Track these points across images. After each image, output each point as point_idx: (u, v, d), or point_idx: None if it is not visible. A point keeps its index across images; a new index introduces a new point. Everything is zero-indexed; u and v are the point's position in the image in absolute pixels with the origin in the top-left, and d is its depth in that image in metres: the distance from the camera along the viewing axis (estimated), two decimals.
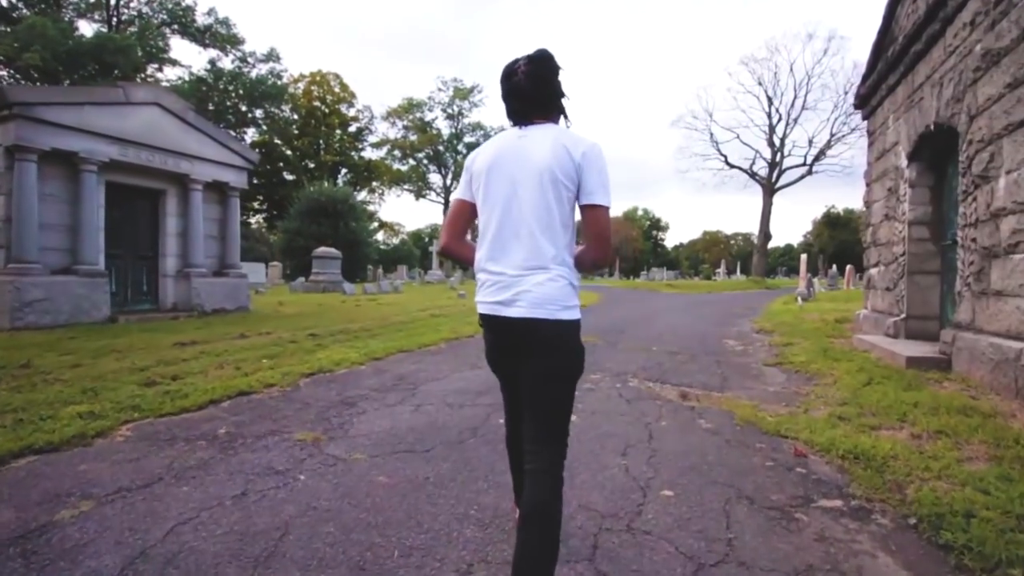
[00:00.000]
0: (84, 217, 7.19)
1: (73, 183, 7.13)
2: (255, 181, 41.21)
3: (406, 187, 50.96)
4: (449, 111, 48.46)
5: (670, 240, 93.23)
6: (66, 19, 29.97)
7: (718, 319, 10.72)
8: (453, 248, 1.63)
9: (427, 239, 63.28)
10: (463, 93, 47.19)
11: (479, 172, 1.51)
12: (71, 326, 6.72)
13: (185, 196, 8.59)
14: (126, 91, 7.49)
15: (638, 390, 4.34)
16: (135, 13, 33.43)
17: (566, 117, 1.54)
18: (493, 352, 1.58)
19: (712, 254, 79.34)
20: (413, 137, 47.72)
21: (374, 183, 48.41)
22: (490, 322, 1.49)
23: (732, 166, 36.34)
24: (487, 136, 48.56)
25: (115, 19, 32.50)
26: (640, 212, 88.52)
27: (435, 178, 50.89)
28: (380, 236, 71.32)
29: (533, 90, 1.45)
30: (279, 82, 36.42)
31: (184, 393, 3.86)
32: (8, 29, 25.46)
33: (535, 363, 1.43)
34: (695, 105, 66.36)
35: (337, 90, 43.58)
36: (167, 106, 7.98)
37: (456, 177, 49.82)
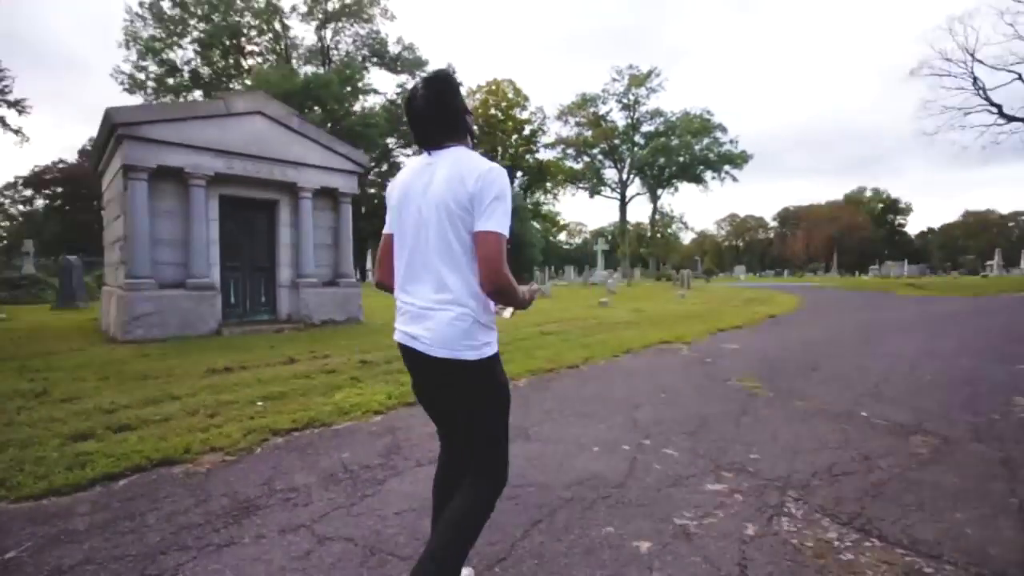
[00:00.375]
0: (194, 231, 7.30)
1: (183, 198, 7.27)
2: None
3: (581, 185, 49.79)
4: (625, 101, 45.74)
5: (913, 226, 74.84)
6: (294, 65, 36.04)
7: (995, 347, 6.74)
8: (386, 283, 1.64)
9: (608, 237, 61.32)
10: (639, 79, 43.98)
11: (393, 206, 1.53)
12: (177, 339, 6.78)
13: (296, 205, 8.41)
14: (227, 102, 7.45)
15: (800, 552, 1.97)
16: (344, 53, 38.71)
17: (472, 136, 1.53)
18: (413, 380, 1.59)
19: (979, 241, 61.12)
20: (587, 133, 46.23)
21: (548, 183, 48.27)
22: (403, 350, 1.51)
23: (1010, 118, 26.33)
24: (667, 123, 44.46)
25: (328, 61, 38.06)
26: (868, 193, 72.75)
27: (610, 173, 48.66)
28: (562, 237, 71.86)
29: (433, 113, 1.43)
30: None
31: (92, 460, 2.88)
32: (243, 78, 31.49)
33: (451, 394, 1.48)
34: (946, 42, 50.95)
35: (511, 95, 44.46)
36: (269, 114, 7.81)
37: (631, 171, 46.81)
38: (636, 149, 46.13)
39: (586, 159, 47.81)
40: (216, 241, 7.68)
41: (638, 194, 49.82)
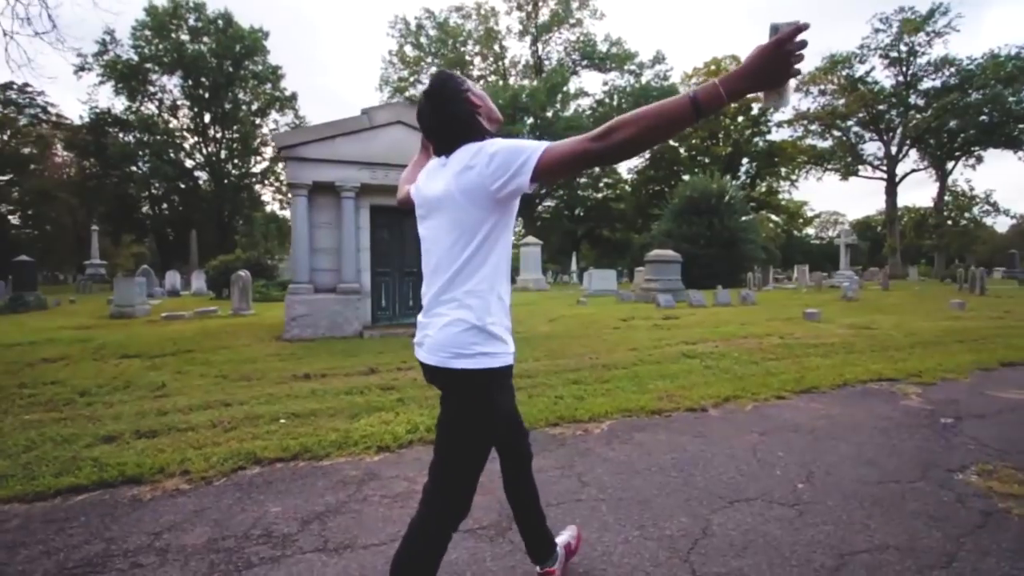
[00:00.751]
0: (344, 239, 7.84)
1: (337, 209, 7.86)
2: (655, 188, 42.20)
3: (829, 166, 41.27)
4: (893, 54, 36.06)
5: None
6: (511, 83, 38.53)
7: None
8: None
9: (879, 228, 49.26)
10: (915, 24, 34.11)
11: (417, 213, 1.51)
12: (323, 340, 7.33)
13: None
14: (370, 116, 7.78)
15: None
16: (555, 62, 39.79)
17: (485, 132, 1.41)
18: None
19: None
20: (838, 102, 37.94)
21: (782, 169, 41.31)
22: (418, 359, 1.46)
23: None
24: (961, 73, 33.44)
25: (540, 72, 39.59)
26: None
27: (871, 147, 39.08)
28: (810, 231, 60.70)
29: (436, 124, 1.41)
30: (664, 83, 35.74)
31: (80, 468, 2.90)
32: None
33: (441, 407, 1.43)
34: None
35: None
36: (408, 122, 7.90)
37: (905, 141, 36.63)
38: (912, 113, 35.95)
39: (836, 134, 39.30)
40: (367, 248, 8.14)
41: (915, 170, 38.90)
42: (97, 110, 34.48)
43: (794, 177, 42.75)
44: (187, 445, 3.27)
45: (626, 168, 45.66)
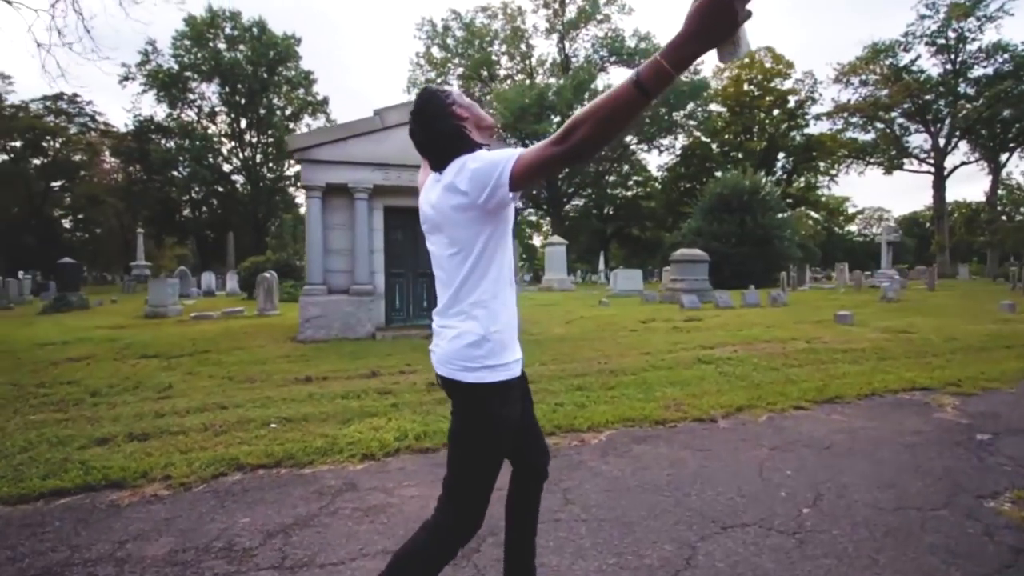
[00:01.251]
0: (357, 241, 7.84)
1: (351, 211, 7.87)
2: (686, 185, 41.24)
3: (872, 160, 39.47)
4: (940, 41, 34.12)
5: None
6: (537, 82, 38.29)
7: None
8: None
9: (927, 224, 46.87)
10: (964, 9, 32.14)
11: (421, 219, 1.52)
12: (336, 341, 7.35)
13: None
14: (382, 117, 7.75)
15: None
16: (582, 59, 39.33)
17: (475, 144, 1.40)
18: None
19: None
20: (881, 93, 36.18)
21: (820, 163, 39.71)
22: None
23: None
24: (1016, 59, 31.37)
25: (567, 70, 39.19)
26: None
27: (917, 140, 37.16)
28: (853, 228, 58.16)
29: (432, 143, 1.41)
30: (695, 77, 34.82)
31: (67, 471, 2.91)
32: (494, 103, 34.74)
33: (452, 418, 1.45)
34: None
35: (768, 64, 38.07)
36: None
37: (954, 133, 34.71)
38: (961, 103, 33.98)
39: (879, 126, 37.51)
40: (380, 249, 8.12)
41: (965, 163, 36.80)
42: (140, 118, 36.02)
43: (833, 172, 41.02)
44: (175, 449, 3.25)
45: (656, 165, 44.82)
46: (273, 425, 3.66)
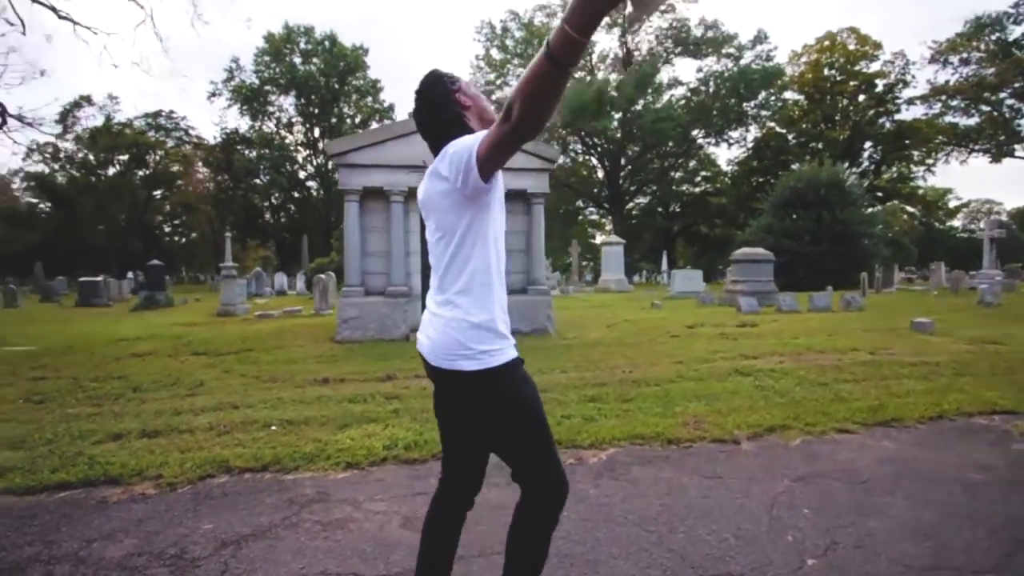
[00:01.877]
0: (393, 243, 7.92)
1: (387, 214, 7.97)
2: (759, 180, 38.88)
3: (976, 147, 35.25)
4: None
5: None
6: (598, 75, 37.53)
7: None
8: None
9: None
10: None
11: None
12: (371, 342, 7.46)
13: None
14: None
15: None
16: (646, 52, 38.07)
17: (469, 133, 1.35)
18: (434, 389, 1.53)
19: None
20: (987, 71, 32.19)
21: (914, 152, 35.98)
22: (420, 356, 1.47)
23: None
24: None
25: (629, 64, 38.09)
26: None
27: None
28: (956, 223, 52.42)
29: (433, 124, 1.41)
30: (767, 64, 32.63)
31: (76, 465, 3.07)
32: None
33: (453, 410, 1.46)
34: None
35: (852, 47, 34.95)
36: None
37: None
38: None
39: (984, 109, 33.38)
40: (416, 251, 8.17)
41: None
42: (227, 130, 39.07)
43: (930, 161, 36.98)
44: (176, 448, 3.35)
45: (726, 159, 42.58)
46: (273, 427, 3.69)
